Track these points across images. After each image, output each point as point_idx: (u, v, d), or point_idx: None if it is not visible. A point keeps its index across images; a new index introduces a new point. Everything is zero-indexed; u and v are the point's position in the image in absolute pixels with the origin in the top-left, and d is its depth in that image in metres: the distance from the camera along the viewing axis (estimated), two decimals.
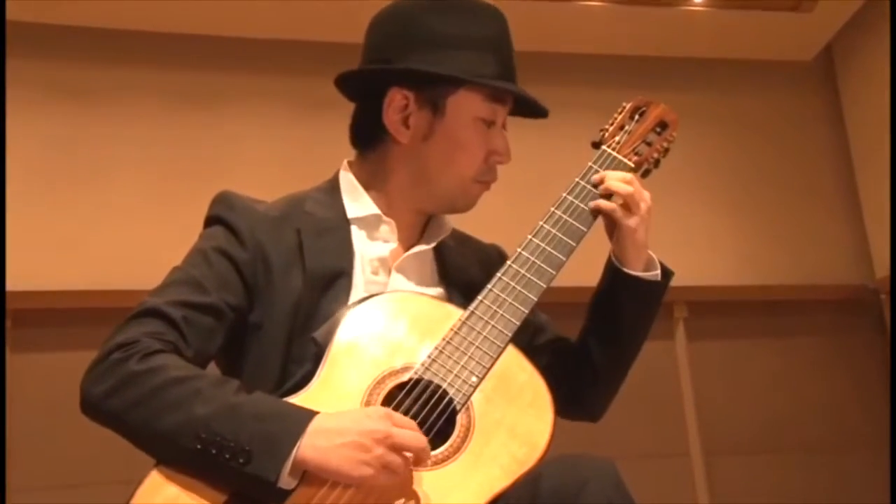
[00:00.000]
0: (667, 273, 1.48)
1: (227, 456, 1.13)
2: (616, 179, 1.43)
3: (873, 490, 2.86)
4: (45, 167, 2.74)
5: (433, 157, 1.43)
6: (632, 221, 1.42)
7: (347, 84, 1.49)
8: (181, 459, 1.16)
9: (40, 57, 2.78)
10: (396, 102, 1.42)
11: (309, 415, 1.17)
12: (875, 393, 3.02)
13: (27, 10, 2.67)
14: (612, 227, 1.46)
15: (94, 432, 1.26)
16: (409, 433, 1.16)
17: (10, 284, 2.36)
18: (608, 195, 1.43)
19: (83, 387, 1.23)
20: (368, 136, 1.48)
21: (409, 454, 1.15)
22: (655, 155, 1.52)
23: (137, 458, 1.22)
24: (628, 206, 1.42)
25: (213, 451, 1.13)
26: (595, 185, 1.43)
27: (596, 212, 1.43)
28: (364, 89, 1.47)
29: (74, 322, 2.54)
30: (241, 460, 1.12)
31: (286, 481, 1.13)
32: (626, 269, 1.44)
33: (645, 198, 1.43)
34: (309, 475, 1.14)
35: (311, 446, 1.14)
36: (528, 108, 1.48)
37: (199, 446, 1.14)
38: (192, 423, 1.15)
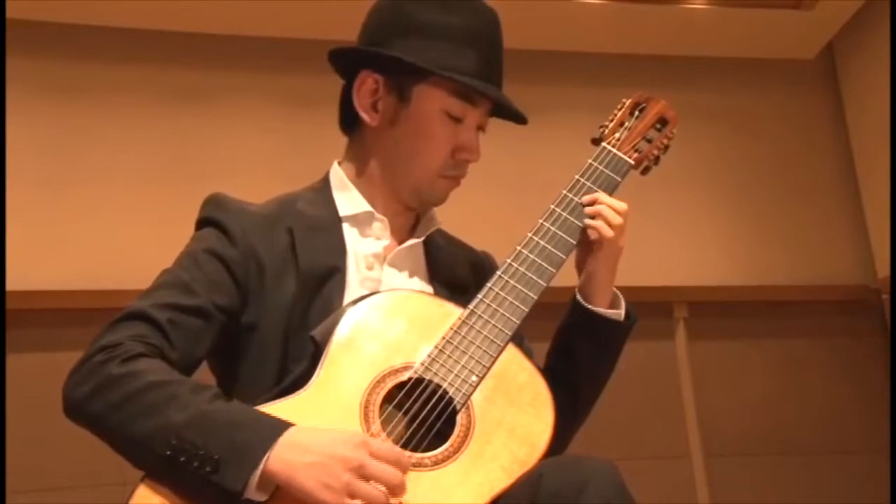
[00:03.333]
0: (630, 314, 1.44)
1: (196, 464, 1.11)
2: (610, 206, 1.40)
3: (874, 492, 2.85)
4: (37, 166, 2.71)
5: (399, 145, 1.43)
6: (621, 242, 1.39)
7: (337, 62, 1.50)
8: (153, 466, 1.14)
9: (28, 55, 2.76)
10: (367, 86, 1.43)
11: (283, 426, 1.14)
12: (876, 394, 3.01)
13: (15, 9, 2.65)
14: (585, 257, 1.43)
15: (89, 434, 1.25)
16: (385, 467, 1.12)
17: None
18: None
19: (65, 389, 1.22)
20: (348, 118, 1.49)
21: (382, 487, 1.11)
22: (656, 152, 1.51)
23: None
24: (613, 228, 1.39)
25: (182, 459, 1.11)
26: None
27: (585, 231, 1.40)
28: (347, 69, 1.48)
29: (66, 322, 2.52)
30: (208, 469, 1.10)
31: (254, 493, 1.10)
32: (592, 307, 1.41)
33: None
34: (281, 492, 1.11)
35: (279, 459, 1.10)
36: (507, 111, 1.46)
37: (168, 453, 1.12)
38: (164, 429, 1.13)
